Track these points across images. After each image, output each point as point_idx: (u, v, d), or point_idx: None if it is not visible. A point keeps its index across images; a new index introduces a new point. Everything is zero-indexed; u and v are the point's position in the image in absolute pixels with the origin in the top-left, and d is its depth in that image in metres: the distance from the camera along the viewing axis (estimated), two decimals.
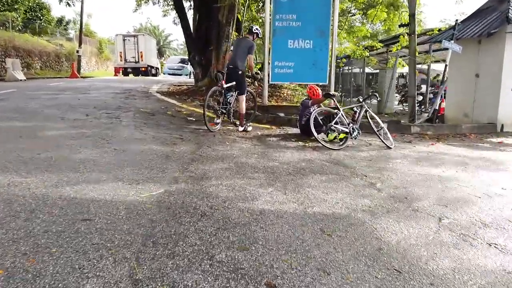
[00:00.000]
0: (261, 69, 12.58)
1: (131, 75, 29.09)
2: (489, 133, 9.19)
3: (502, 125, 9.53)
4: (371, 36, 22.22)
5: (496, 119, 9.49)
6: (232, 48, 7.17)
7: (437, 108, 9.26)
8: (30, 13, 28.17)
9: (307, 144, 6.00)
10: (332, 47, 8.53)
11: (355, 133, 5.96)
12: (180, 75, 27.99)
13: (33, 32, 26.39)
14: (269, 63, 8.67)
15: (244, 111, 6.81)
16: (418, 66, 11.77)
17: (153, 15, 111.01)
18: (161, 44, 55.66)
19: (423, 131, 8.47)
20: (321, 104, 6.78)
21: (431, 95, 14.90)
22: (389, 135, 6.37)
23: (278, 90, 11.06)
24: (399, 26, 11.51)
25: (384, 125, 6.38)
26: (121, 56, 29.42)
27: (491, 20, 9.49)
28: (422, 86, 17.87)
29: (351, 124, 6.05)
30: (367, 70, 18.29)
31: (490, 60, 9.47)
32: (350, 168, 4.66)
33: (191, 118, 7.45)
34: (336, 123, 5.97)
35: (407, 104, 15.95)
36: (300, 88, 12.28)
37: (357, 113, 6.22)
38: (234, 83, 6.84)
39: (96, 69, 32.93)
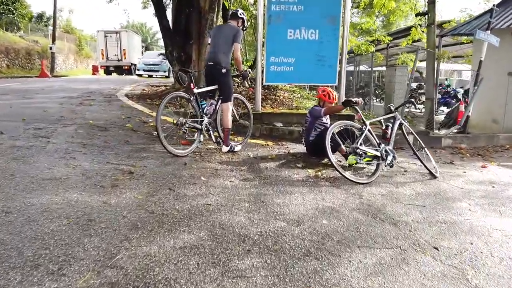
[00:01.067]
0: (252, 66, 10.75)
1: (114, 74, 26.88)
2: None
3: None
4: (368, 32, 20.47)
5: None
6: (210, 39, 5.19)
7: (469, 114, 7.51)
8: (1, 6, 25.75)
9: (320, 174, 4.15)
10: (343, 38, 6.69)
11: (389, 158, 4.11)
12: (157, 71, 24.20)
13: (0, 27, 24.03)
14: (262, 59, 6.80)
15: (230, 124, 4.92)
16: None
17: (133, 9, 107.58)
18: (148, 41, 53.41)
19: (456, 143, 6.71)
20: (337, 113, 4.94)
21: (439, 96, 13.22)
22: (430, 156, 4.56)
23: (273, 92, 9.17)
24: (416, 15, 9.73)
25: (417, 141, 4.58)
26: (103, 54, 27.26)
27: None
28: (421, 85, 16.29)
29: (382, 145, 4.22)
30: (362, 68, 16.53)
31: None
32: (401, 227, 2.83)
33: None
34: (360, 142, 4.12)
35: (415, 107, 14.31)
36: (298, 90, 10.40)
37: (390, 128, 4.37)
38: (215, 86, 4.95)
39: (75, 67, 30.59)
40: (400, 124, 4.50)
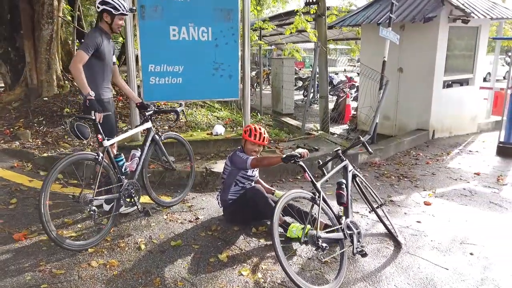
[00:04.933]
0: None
1: None
2: (424, 142, 7.48)
3: (434, 131, 7.93)
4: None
5: (428, 124, 7.81)
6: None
7: (377, 121, 6.99)
8: None
9: (260, 275, 2.68)
10: (244, 38, 5.16)
11: (355, 240, 2.85)
12: None
13: None
14: (138, 70, 4.82)
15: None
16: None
17: None
18: None
19: (370, 158, 6.06)
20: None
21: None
22: (387, 214, 3.49)
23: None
24: (306, 4, 8.79)
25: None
26: None
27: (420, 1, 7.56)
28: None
29: (343, 219, 2.93)
30: None
31: (418, 51, 7.60)
32: None
33: None
34: (314, 219, 2.75)
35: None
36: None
37: (344, 186, 3.10)
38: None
39: None
40: (354, 176, 3.29)
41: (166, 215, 3.64)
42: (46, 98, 6.15)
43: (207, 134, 5.60)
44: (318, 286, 2.52)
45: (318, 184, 2.90)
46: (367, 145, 3.31)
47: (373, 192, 3.39)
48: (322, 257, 2.72)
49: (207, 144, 5.26)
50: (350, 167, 3.24)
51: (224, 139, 5.38)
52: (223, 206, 3.50)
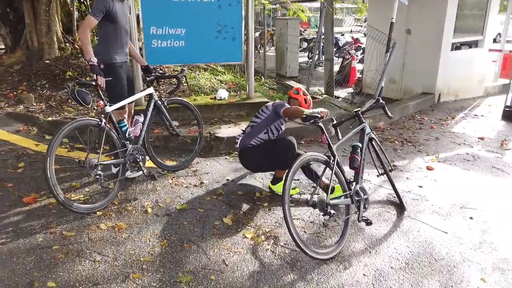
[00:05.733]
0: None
1: None
2: (430, 106, 7.41)
3: (440, 95, 7.84)
4: None
5: (435, 87, 7.70)
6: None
7: (383, 85, 6.87)
8: None
9: (261, 237, 2.77)
10: None
11: (361, 207, 2.88)
12: None
13: None
14: (139, 34, 4.72)
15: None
16: None
17: None
18: None
19: (375, 122, 6.04)
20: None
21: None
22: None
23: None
24: None
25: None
26: None
27: None
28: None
29: (353, 185, 2.96)
30: None
31: (427, 11, 7.34)
32: None
33: None
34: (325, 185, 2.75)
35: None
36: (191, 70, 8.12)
37: (359, 150, 3.02)
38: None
39: None
40: (370, 140, 3.26)
41: (172, 179, 3.71)
42: (48, 61, 6.07)
43: (211, 98, 5.56)
44: (320, 249, 2.60)
45: (334, 147, 2.85)
46: (386, 109, 3.19)
47: (385, 156, 3.36)
48: (327, 223, 2.75)
49: (211, 108, 5.24)
50: (368, 130, 3.17)
51: (228, 103, 5.35)
52: (241, 149, 3.43)
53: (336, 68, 9.90)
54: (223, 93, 5.59)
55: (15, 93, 5.54)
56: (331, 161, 2.79)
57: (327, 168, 2.82)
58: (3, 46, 7.82)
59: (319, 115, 2.80)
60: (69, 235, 2.72)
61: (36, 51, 6.29)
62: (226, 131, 4.70)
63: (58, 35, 6.52)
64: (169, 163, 4.00)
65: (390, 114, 3.24)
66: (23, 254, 2.47)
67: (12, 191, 3.25)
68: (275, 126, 3.35)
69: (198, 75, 6.72)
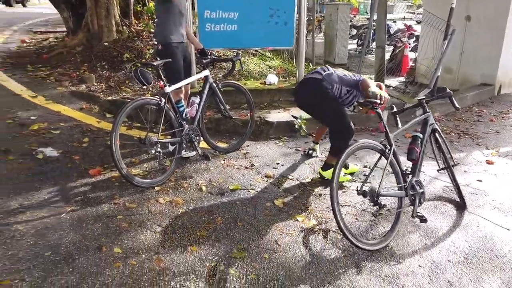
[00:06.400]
0: None
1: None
2: (489, 98, 6.98)
3: (500, 86, 7.35)
4: None
5: (495, 78, 7.22)
6: None
7: (439, 74, 6.56)
8: None
9: (313, 223, 2.79)
10: None
11: (416, 202, 2.80)
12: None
13: None
14: (194, 16, 4.81)
15: None
16: None
17: None
18: None
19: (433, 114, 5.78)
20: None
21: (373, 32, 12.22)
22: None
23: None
24: None
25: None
26: None
27: None
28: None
29: (409, 177, 2.83)
30: None
31: None
32: None
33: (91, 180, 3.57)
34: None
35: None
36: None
37: (419, 141, 2.85)
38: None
39: None
40: (434, 131, 3.10)
41: (223, 160, 3.80)
42: (107, 43, 6.37)
43: (260, 83, 5.59)
44: (367, 241, 2.57)
45: (391, 136, 2.74)
46: (453, 99, 2.97)
47: (449, 151, 3.21)
48: (377, 213, 2.71)
49: (261, 93, 5.28)
50: (431, 120, 3.00)
51: (277, 88, 5.36)
52: (317, 84, 3.29)
53: (387, 56, 9.55)
54: (272, 78, 5.60)
55: (77, 73, 5.88)
56: (387, 150, 2.72)
57: (382, 157, 2.75)
58: (64, 29, 8.29)
59: (379, 101, 2.72)
60: (131, 206, 2.89)
61: (96, 34, 6.62)
62: (276, 116, 4.72)
63: (116, 18, 6.80)
64: (221, 144, 4.10)
65: (457, 105, 3.01)
66: (91, 221, 2.67)
67: (79, 163, 3.50)
68: (354, 95, 3.31)
69: (248, 59, 6.76)
